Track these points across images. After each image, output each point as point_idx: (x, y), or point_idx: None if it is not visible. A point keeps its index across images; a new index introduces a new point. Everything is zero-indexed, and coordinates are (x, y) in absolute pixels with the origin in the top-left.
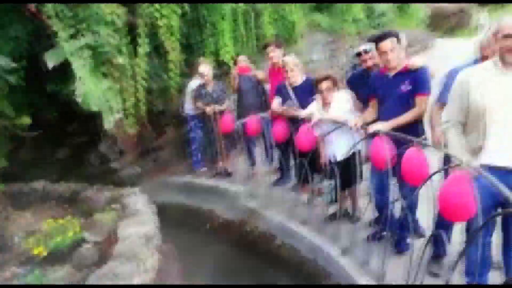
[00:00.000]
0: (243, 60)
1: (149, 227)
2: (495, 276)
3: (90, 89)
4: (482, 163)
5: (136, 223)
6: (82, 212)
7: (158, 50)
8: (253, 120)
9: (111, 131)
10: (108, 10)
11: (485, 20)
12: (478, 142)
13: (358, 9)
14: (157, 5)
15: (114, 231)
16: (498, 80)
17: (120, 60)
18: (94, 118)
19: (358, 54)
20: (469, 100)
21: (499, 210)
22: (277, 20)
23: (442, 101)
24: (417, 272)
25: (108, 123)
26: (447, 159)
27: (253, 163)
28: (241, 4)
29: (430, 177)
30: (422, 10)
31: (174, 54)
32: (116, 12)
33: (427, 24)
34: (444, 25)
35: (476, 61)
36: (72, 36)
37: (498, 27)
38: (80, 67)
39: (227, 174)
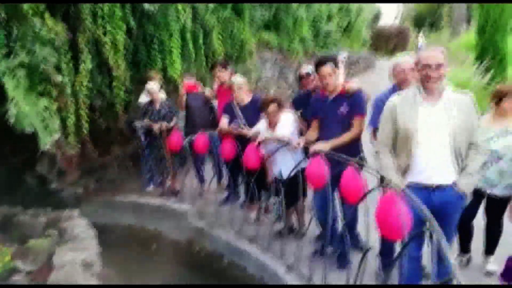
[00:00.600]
0: (189, 78)
1: (88, 253)
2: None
3: (24, 110)
4: (409, 182)
5: (74, 249)
6: (15, 238)
7: (102, 67)
8: (201, 138)
9: (50, 151)
10: (45, 28)
11: (421, 41)
12: (405, 163)
13: (305, 29)
14: (100, 21)
15: (49, 258)
16: (421, 106)
17: (59, 78)
18: (33, 137)
19: (301, 77)
20: (396, 125)
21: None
22: (226, 38)
23: (372, 126)
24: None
25: (44, 143)
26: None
27: (202, 181)
28: (189, 22)
29: (365, 195)
30: (365, 32)
31: (119, 71)
32: (54, 29)
33: (370, 44)
34: (385, 46)
35: (394, 87)
36: (5, 56)
37: (418, 58)
38: (13, 87)
39: (175, 193)
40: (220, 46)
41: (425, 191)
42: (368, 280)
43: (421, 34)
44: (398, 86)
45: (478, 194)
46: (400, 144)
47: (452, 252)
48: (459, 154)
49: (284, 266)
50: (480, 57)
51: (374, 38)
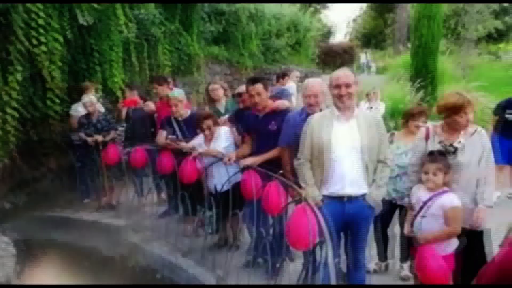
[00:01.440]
0: (131, 92)
1: (5, 271)
2: None
3: None
4: (325, 194)
5: None
6: None
7: (35, 78)
8: (140, 151)
9: None
10: None
11: (366, 59)
12: (321, 176)
13: (254, 44)
14: (34, 32)
15: None
16: (335, 123)
17: None
18: None
19: (239, 94)
20: (315, 140)
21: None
22: (173, 51)
23: (282, 144)
24: None
25: None
26: None
27: (140, 195)
28: (133, 34)
29: (285, 206)
30: (314, 48)
31: (54, 82)
32: None
33: (319, 61)
34: (333, 63)
35: (305, 107)
36: None
37: (331, 79)
38: None
39: (111, 207)
40: (166, 59)
41: (339, 202)
42: None
43: (366, 52)
44: (308, 107)
45: (391, 205)
46: (316, 158)
47: (371, 259)
48: (369, 168)
49: (214, 278)
50: (414, 76)
51: (323, 55)
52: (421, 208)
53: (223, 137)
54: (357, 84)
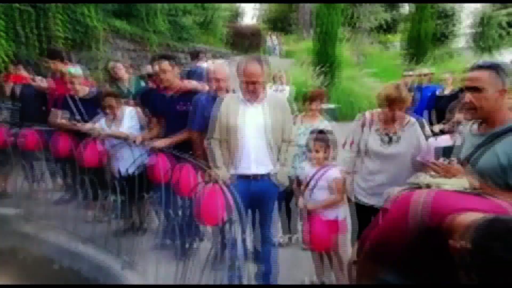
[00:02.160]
0: (13, 67)
1: None
2: (251, 267)
3: None
4: (233, 173)
5: None
6: None
7: None
8: (32, 133)
9: None
10: None
11: (273, 43)
12: (230, 156)
13: (160, 20)
14: None
15: None
16: (243, 105)
17: None
18: None
19: (150, 75)
20: (223, 122)
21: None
22: (66, 22)
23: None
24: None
25: None
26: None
27: (33, 181)
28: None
29: (195, 188)
30: (223, 28)
31: None
32: None
33: (227, 42)
34: (241, 44)
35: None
36: None
37: (241, 70)
38: None
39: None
40: (59, 30)
41: (246, 181)
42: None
43: (274, 36)
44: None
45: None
46: (225, 139)
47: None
48: (274, 147)
49: (120, 264)
50: (316, 62)
51: (232, 36)
52: (309, 182)
53: (127, 118)
54: (263, 74)
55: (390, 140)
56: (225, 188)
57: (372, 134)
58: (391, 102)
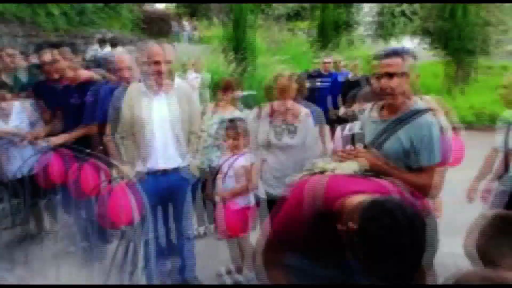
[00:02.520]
0: None
1: None
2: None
3: None
4: (141, 170)
5: None
6: None
7: None
8: None
9: None
10: None
11: (185, 28)
12: (137, 152)
13: (53, 4)
14: None
15: None
16: (147, 97)
17: None
18: None
19: (41, 65)
20: (126, 115)
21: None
22: None
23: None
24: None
25: None
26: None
27: None
28: None
29: (97, 187)
30: (128, 13)
31: None
32: None
33: (133, 27)
34: (149, 30)
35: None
36: None
37: (147, 53)
38: None
39: None
40: None
41: (154, 177)
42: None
43: (186, 21)
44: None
45: (204, 173)
46: (127, 134)
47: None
48: (182, 140)
49: (14, 277)
50: (232, 49)
51: (139, 20)
52: (218, 170)
53: (15, 114)
54: (171, 56)
55: (285, 131)
56: (132, 186)
57: (268, 126)
58: (280, 93)
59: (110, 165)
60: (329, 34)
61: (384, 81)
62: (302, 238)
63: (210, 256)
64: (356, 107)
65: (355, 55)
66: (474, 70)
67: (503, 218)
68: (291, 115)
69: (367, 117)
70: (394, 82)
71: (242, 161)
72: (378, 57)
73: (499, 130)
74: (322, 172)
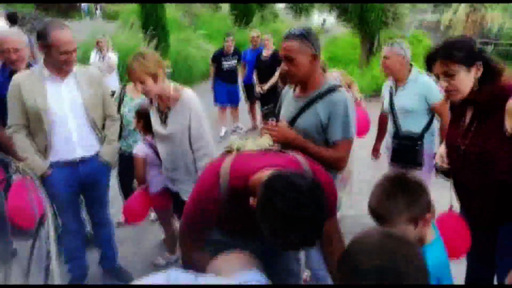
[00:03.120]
0: None
1: None
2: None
3: None
4: (52, 161)
5: None
6: None
7: None
8: None
9: None
10: None
11: (85, 6)
12: (45, 142)
13: None
14: None
15: None
16: (48, 83)
17: None
18: None
19: None
20: (25, 104)
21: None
22: None
23: None
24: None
25: None
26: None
27: None
28: None
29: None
30: None
31: None
32: None
33: (38, 3)
34: (57, 6)
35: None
36: None
37: (44, 35)
38: None
39: None
40: None
41: (70, 167)
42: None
43: None
44: (11, 64)
45: (125, 158)
46: (34, 123)
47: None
48: (96, 126)
49: None
50: (145, 25)
51: None
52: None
53: None
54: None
55: (158, 120)
56: (37, 182)
57: (154, 113)
58: (129, 75)
59: (11, 160)
60: (249, 8)
61: (283, 64)
62: (219, 216)
63: (138, 242)
64: (271, 83)
65: (277, 28)
66: (385, 41)
67: (392, 178)
68: (161, 101)
69: (285, 93)
70: (289, 65)
71: (138, 150)
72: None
73: (384, 95)
74: (238, 149)
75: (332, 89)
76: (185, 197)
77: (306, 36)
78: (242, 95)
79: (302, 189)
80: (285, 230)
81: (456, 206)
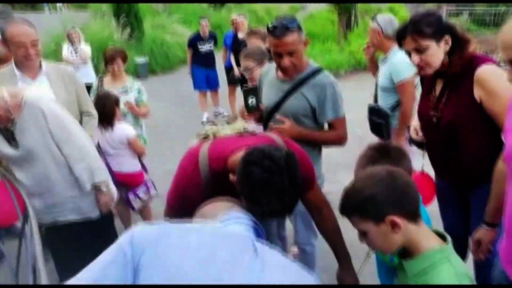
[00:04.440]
0: None
1: None
2: None
3: None
4: None
5: None
6: None
7: None
8: None
9: None
10: None
11: None
12: None
13: None
14: None
15: None
16: (20, 84)
17: None
18: None
19: None
20: None
21: None
22: None
23: None
24: None
25: None
26: None
27: None
28: None
29: None
30: None
31: None
32: None
33: None
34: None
35: None
36: None
37: (6, 35)
38: None
39: None
40: None
41: None
42: None
43: None
44: None
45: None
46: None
47: None
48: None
49: None
50: (117, 13)
51: None
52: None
53: None
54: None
55: (12, 136)
56: (17, 184)
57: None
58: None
59: None
60: None
61: (285, 60)
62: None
63: None
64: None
65: (253, 8)
66: (362, 16)
67: (375, 146)
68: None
69: (264, 75)
70: (292, 59)
71: None
72: (270, 33)
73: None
74: (214, 135)
75: (315, 72)
76: (73, 216)
77: (299, 25)
78: (223, 79)
79: (277, 158)
80: (264, 197)
81: (429, 172)
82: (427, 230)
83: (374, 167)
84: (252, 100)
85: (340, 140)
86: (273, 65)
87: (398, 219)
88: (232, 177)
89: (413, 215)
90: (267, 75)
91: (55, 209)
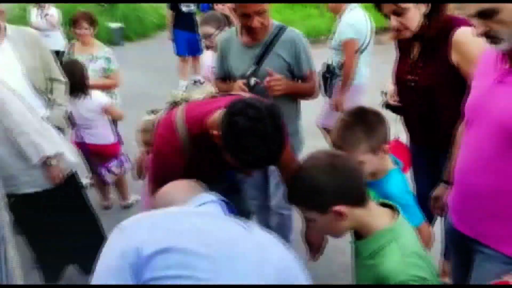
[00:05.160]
0: None
1: None
2: None
3: None
4: None
5: None
6: None
7: None
8: None
9: None
10: None
11: None
12: None
13: None
14: None
15: None
16: None
17: None
18: None
19: None
20: None
21: None
22: None
23: None
24: None
25: None
26: None
27: None
28: None
29: None
30: None
31: None
32: None
33: None
34: None
35: None
36: None
37: None
38: None
39: None
40: None
41: None
42: None
43: None
44: None
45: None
46: None
47: None
48: (41, 90)
49: None
50: None
51: None
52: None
53: None
54: None
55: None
56: None
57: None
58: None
59: None
60: None
61: (256, 20)
62: (185, 167)
63: None
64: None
65: None
66: None
67: (351, 112)
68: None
69: (226, 43)
70: (264, 19)
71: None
72: None
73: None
74: (185, 100)
75: (281, 28)
76: (28, 189)
77: None
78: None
79: (260, 107)
80: (250, 145)
81: (403, 139)
82: (376, 210)
83: (319, 153)
84: (253, 80)
85: (314, 93)
86: (233, 30)
87: (342, 208)
88: (215, 132)
89: (359, 200)
90: (230, 42)
91: (9, 181)
